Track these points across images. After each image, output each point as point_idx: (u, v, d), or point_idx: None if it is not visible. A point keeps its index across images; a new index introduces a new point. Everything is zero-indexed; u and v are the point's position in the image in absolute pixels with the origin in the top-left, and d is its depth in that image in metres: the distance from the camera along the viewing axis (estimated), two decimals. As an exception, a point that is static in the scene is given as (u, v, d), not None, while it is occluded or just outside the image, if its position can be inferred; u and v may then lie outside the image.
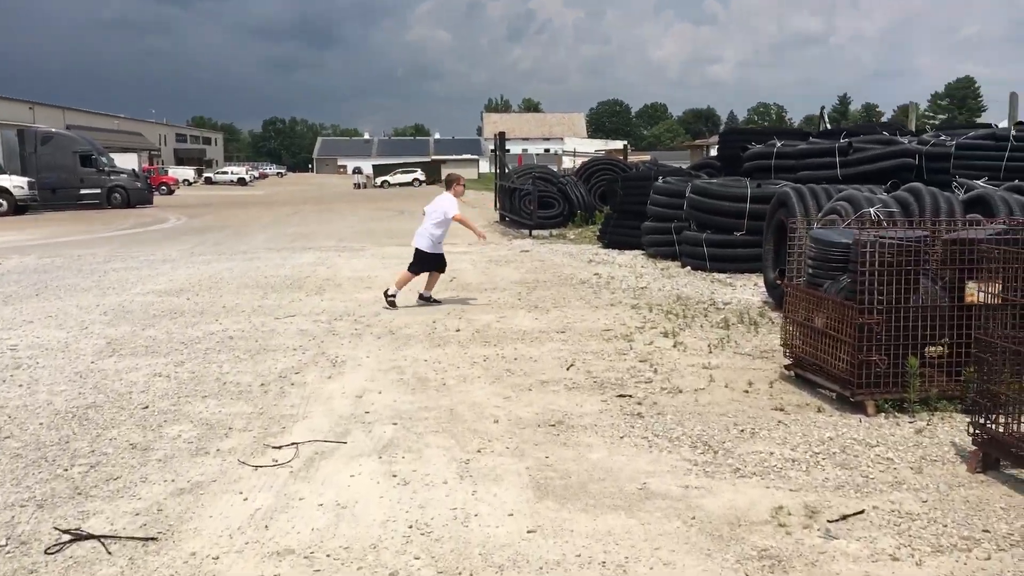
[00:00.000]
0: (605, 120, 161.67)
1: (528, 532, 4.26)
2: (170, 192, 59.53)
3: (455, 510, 4.54)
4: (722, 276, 13.57)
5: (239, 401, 6.70)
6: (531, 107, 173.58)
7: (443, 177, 12.96)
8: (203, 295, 12.18)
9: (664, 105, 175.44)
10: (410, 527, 4.34)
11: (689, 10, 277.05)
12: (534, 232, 22.17)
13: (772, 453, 5.33)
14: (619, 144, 49.92)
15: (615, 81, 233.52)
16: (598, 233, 19.67)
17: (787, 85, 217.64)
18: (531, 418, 6.19)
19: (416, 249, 11.16)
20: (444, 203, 11.10)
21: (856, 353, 6.00)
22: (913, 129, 21.12)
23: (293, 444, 5.64)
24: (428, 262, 11.21)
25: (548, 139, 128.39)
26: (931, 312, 6.02)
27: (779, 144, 16.27)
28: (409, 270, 11.18)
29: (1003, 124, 19.95)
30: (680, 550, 4.05)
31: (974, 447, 5.00)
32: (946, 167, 14.30)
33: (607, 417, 6.17)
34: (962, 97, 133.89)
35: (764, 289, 11.33)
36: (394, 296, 10.95)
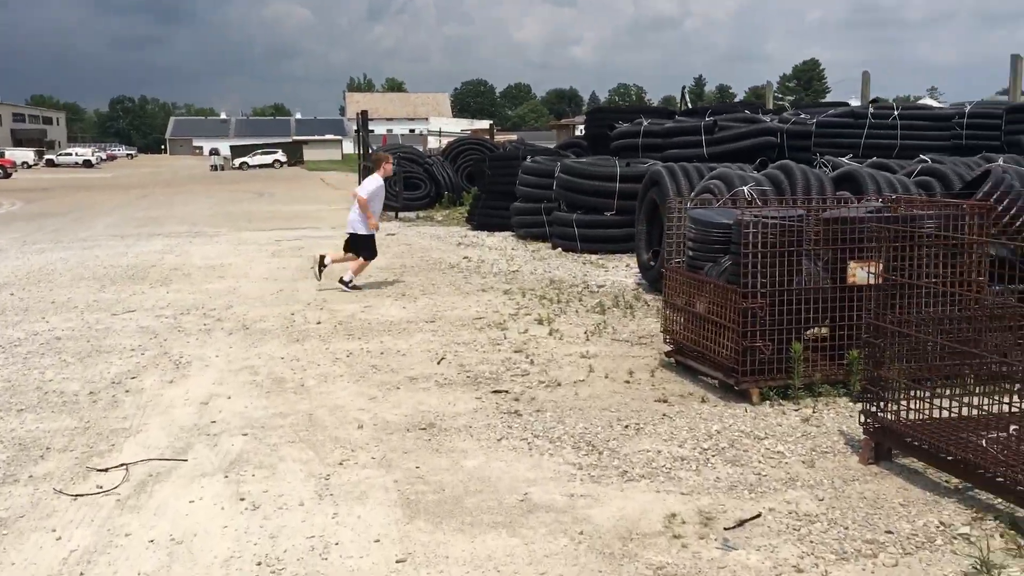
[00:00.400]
0: (470, 100, 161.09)
1: (397, 562, 3.73)
2: (6, 175, 55.31)
3: (312, 539, 3.96)
4: (594, 257, 13.32)
5: (62, 414, 5.85)
6: (395, 87, 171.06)
7: (371, 157, 12.77)
8: (30, 289, 10.98)
9: (528, 86, 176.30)
10: (258, 564, 3.73)
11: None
12: (400, 214, 21.46)
13: (659, 451, 4.97)
14: (485, 124, 49.50)
15: (479, 61, 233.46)
16: (466, 215, 19.18)
17: (646, 66, 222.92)
18: (399, 421, 5.63)
19: (357, 235, 10.85)
20: (368, 183, 11.08)
21: (740, 339, 5.72)
22: (771, 108, 21.52)
23: (122, 465, 4.90)
24: (371, 244, 10.98)
25: (413, 119, 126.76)
26: (814, 294, 5.80)
27: (646, 123, 16.17)
28: (365, 258, 10.94)
29: (854, 102, 20.59)
30: (569, 574, 3.61)
31: (865, 436, 4.78)
32: (807, 144, 14.48)
33: (483, 417, 5.69)
34: (808, 79, 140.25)
35: (638, 271, 11.11)
36: (350, 280, 10.71)
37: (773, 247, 5.69)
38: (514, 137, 37.76)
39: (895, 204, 6.72)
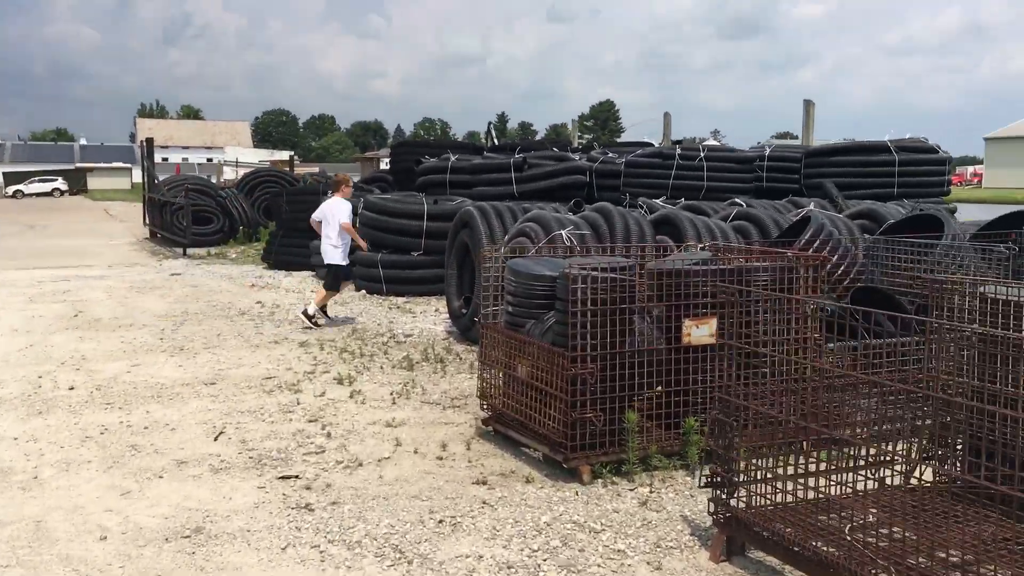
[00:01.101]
0: (272, 130, 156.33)
1: None
2: None
3: None
4: (401, 301, 12.43)
5: None
6: (191, 114, 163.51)
7: (334, 178, 12.09)
8: None
9: (332, 117, 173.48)
10: None
11: (354, 24, 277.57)
12: (189, 251, 19.69)
13: (481, 557, 4.12)
14: (285, 155, 47.57)
15: (281, 91, 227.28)
16: (262, 253, 17.76)
17: (450, 101, 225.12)
18: (157, 527, 4.50)
19: (329, 265, 10.63)
20: (335, 208, 10.64)
21: (569, 410, 5.01)
22: (576, 146, 21.52)
23: None
24: (344, 273, 10.79)
25: (211, 148, 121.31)
26: (648, 357, 5.19)
27: (453, 158, 15.53)
28: (328, 288, 10.72)
29: (652, 140, 20.91)
30: None
31: (715, 529, 4.15)
32: (616, 184, 14.31)
33: (265, 515, 4.64)
34: (604, 119, 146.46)
35: (448, 317, 10.32)
36: (314, 316, 10.29)
37: (604, 304, 5.03)
38: (316, 169, 36.30)
39: (725, 255, 6.28)
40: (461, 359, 8.43)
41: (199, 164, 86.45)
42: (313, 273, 15.53)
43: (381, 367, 8.09)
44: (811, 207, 8.95)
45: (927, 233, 7.41)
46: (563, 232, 7.66)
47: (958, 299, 4.49)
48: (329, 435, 6.03)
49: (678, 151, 12.95)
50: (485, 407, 6.09)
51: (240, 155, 44.96)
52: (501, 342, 5.77)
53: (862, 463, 4.24)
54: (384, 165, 36.32)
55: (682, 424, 5.24)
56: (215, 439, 5.96)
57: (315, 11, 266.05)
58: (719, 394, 4.18)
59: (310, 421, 6.37)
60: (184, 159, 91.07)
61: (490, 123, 28.42)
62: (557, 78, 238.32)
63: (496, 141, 26.01)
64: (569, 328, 4.98)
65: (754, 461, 4.06)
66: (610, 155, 14.94)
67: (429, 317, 11.03)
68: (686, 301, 5.25)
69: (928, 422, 4.23)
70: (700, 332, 5.24)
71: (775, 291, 5.41)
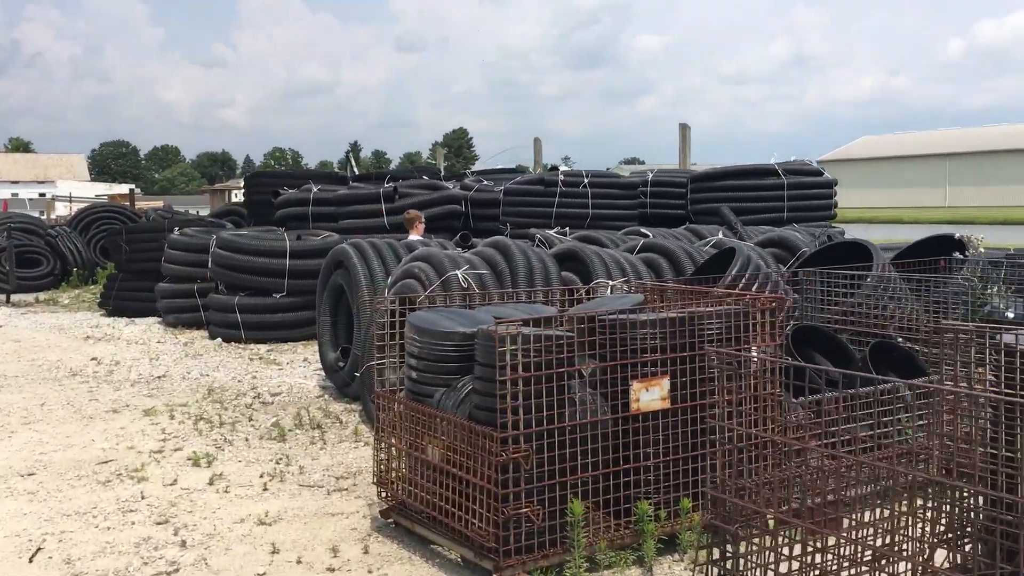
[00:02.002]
0: (111, 162, 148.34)
1: None
2: None
3: None
4: (264, 349, 11.05)
5: None
6: (21, 147, 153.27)
7: (406, 216, 11.32)
8: None
9: (176, 148, 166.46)
10: None
11: (197, 52, 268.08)
12: (13, 298, 17.45)
13: None
14: (125, 188, 44.45)
15: (121, 121, 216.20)
16: (100, 297, 15.83)
17: (300, 131, 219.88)
18: None
19: None
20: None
21: (500, 505, 3.97)
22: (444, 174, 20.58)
23: None
24: None
25: (43, 182, 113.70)
26: (592, 431, 4.21)
27: (316, 189, 14.25)
28: None
29: (521, 167, 20.21)
30: None
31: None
32: (494, 213, 13.44)
33: None
34: (459, 146, 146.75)
35: (322, 370, 9.07)
36: None
37: (539, 368, 4.03)
38: (160, 204, 33.86)
39: (655, 298, 5.43)
40: (342, 423, 7.24)
41: (30, 200, 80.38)
42: (159, 320, 13.87)
43: (246, 439, 6.79)
44: (720, 236, 8.29)
45: (848, 263, 6.81)
46: (458, 273, 6.63)
47: (974, 351, 3.73)
48: (184, 543, 4.75)
49: (561, 177, 12.19)
50: (384, 496, 4.96)
51: (74, 189, 41.61)
52: (404, 416, 4.67)
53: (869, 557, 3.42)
54: (236, 197, 34.22)
55: (634, 510, 4.29)
56: (30, 560, 4.58)
57: (156, 39, 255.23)
58: (712, 492, 3.24)
59: (158, 523, 5.06)
60: (13, 194, 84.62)
61: (348, 151, 27.15)
62: (409, 107, 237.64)
63: (356, 170, 24.72)
64: (499, 401, 3.95)
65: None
66: (485, 183, 14.05)
67: (298, 369, 9.73)
68: (634, 359, 4.31)
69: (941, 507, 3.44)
70: (650, 396, 4.32)
71: (726, 341, 4.57)
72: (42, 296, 18.19)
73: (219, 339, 11.90)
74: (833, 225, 11.81)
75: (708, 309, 4.55)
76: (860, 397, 4.36)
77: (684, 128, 15.42)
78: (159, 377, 9.32)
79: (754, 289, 6.08)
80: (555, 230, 9.29)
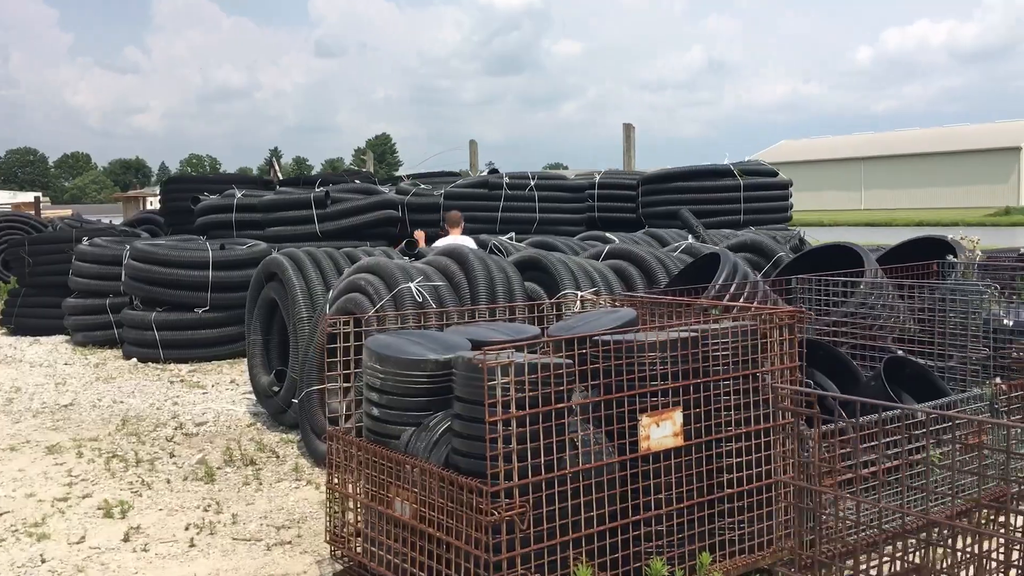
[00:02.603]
0: (17, 170, 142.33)
1: None
2: None
3: None
4: (185, 370, 10.07)
5: None
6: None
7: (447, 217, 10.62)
8: None
9: (87, 155, 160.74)
10: None
11: (109, 57, 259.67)
12: (-97, 317, 15.94)
13: None
14: (30, 197, 42.09)
15: (28, 128, 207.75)
16: (0, 315, 14.49)
17: (217, 137, 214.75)
18: None
19: None
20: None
21: (491, 575, 3.22)
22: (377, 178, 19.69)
23: None
24: None
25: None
26: (598, 477, 3.50)
27: (239, 194, 13.26)
28: None
29: (458, 171, 19.44)
30: None
31: None
32: (433, 219, 12.65)
33: None
34: (381, 152, 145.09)
35: (252, 394, 8.19)
36: None
37: (534, 404, 3.31)
38: (69, 212, 32.02)
39: (646, 312, 4.78)
40: (279, 457, 6.39)
41: (-72, 209, 76.26)
42: (68, 338, 12.70)
43: (168, 480, 5.89)
44: (689, 241, 7.68)
45: (832, 269, 6.27)
46: (411, 285, 5.85)
47: None
48: (94, 623, 3.89)
49: (506, 180, 11.48)
50: (338, 555, 4.17)
51: (-25, 198, 39.22)
52: (363, 463, 3.89)
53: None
54: (152, 205, 32.55)
55: (645, 570, 3.59)
56: None
57: (64, 44, 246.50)
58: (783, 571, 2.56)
59: (62, 596, 4.18)
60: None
61: (271, 155, 25.96)
62: (329, 112, 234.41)
63: (280, 175, 23.65)
64: (487, 446, 3.21)
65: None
66: (423, 187, 13.26)
67: (224, 392, 8.80)
68: (643, 388, 3.62)
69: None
70: (661, 432, 3.64)
71: (738, 363, 3.93)
72: (-64, 314, 16.68)
73: (134, 359, 10.85)
74: (789, 228, 11.40)
75: (721, 327, 3.89)
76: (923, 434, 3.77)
77: (628, 128, 14.86)
78: (66, 406, 8.29)
79: (744, 300, 5.47)
80: (507, 236, 8.55)
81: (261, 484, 5.77)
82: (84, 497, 5.58)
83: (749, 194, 10.74)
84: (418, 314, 5.72)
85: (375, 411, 3.85)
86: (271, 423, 7.37)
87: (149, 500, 5.52)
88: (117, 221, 25.07)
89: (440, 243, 10.04)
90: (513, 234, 8.70)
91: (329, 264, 7.19)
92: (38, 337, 13.15)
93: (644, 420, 3.56)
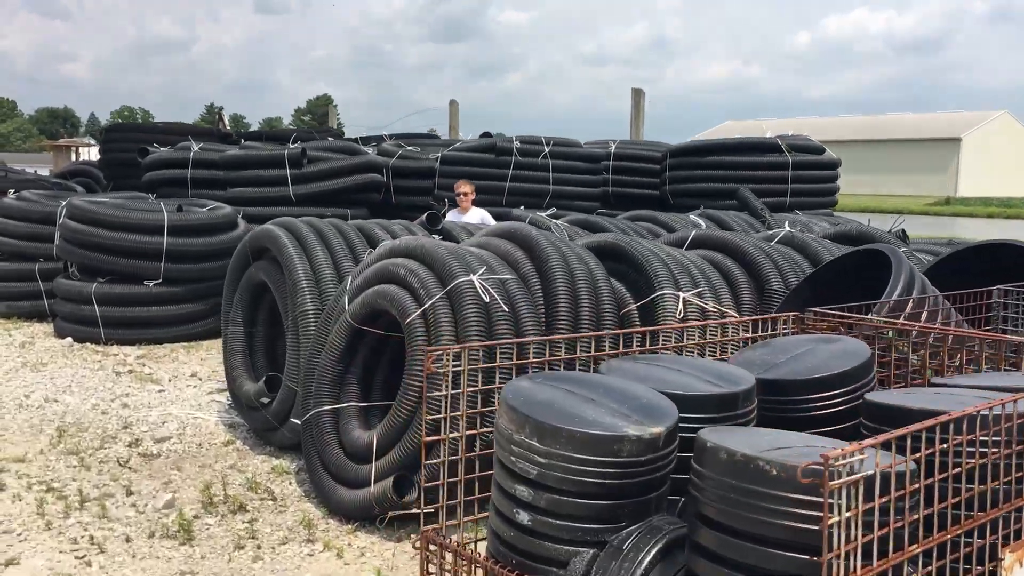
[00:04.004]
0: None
1: None
2: None
3: None
4: (132, 355, 8.34)
5: None
6: None
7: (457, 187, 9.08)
8: None
9: (13, 102, 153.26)
10: None
11: (39, 1, 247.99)
12: None
13: None
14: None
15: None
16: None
17: (151, 90, 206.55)
18: None
19: None
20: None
21: None
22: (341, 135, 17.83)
23: None
24: None
25: None
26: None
27: (196, 148, 11.43)
28: None
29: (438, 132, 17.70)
30: None
31: None
32: (421, 186, 11.04)
33: None
34: (322, 113, 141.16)
35: (220, 394, 6.56)
36: None
37: (867, 529, 1.81)
38: (-8, 160, 29.30)
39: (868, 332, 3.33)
40: (275, 500, 4.78)
41: None
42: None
43: (127, 537, 4.24)
44: (787, 227, 6.17)
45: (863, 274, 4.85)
46: (473, 279, 4.28)
47: None
48: None
49: (516, 144, 9.87)
50: None
51: None
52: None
53: None
54: (86, 155, 29.93)
55: None
56: None
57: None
58: None
59: None
60: None
61: (219, 109, 23.87)
62: (268, 70, 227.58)
63: (227, 128, 21.59)
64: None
65: None
66: (410, 148, 11.59)
67: (186, 390, 7.12)
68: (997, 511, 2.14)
69: None
70: None
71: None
72: None
73: (69, 339, 9.05)
74: (833, 213, 10.07)
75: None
76: None
77: (638, 93, 13.28)
78: (-18, 403, 6.53)
79: (926, 319, 4.05)
80: (547, 212, 6.94)
81: (260, 547, 4.17)
82: (6, 565, 3.92)
83: (797, 173, 9.35)
84: (483, 320, 4.21)
85: (523, 517, 2.30)
86: (255, 441, 5.74)
87: (98, 557, 3.89)
88: (46, 172, 22.75)
89: (454, 218, 8.56)
90: (554, 210, 7.13)
91: (339, 241, 5.55)
92: (-48, 307, 11.17)
93: (1007, 556, 2.08)
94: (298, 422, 4.99)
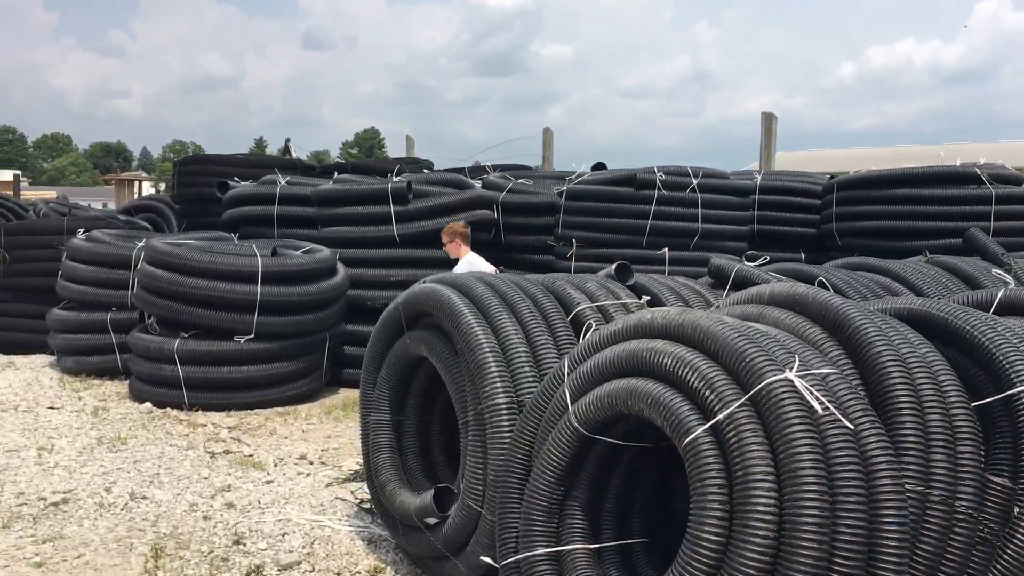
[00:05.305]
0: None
1: None
2: None
3: None
4: (224, 425, 7.07)
5: None
6: None
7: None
8: None
9: (68, 136, 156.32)
10: None
11: (93, 39, 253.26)
12: None
13: None
14: (8, 175, 38.47)
15: (7, 107, 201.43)
16: (-35, 323, 11.29)
17: (202, 125, 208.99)
18: None
19: None
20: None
21: None
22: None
23: None
24: None
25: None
26: None
27: (283, 181, 10.21)
28: None
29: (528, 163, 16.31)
30: None
31: None
32: (539, 224, 9.67)
33: None
34: (369, 146, 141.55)
35: (348, 490, 5.20)
36: None
37: None
38: (53, 195, 28.66)
39: None
40: None
41: (-101, 185, 71.97)
42: (53, 360, 9.62)
43: None
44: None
45: None
46: (791, 376, 2.87)
47: None
48: None
49: (660, 176, 8.47)
50: None
51: (-54, 174, 35.51)
52: None
53: None
54: (149, 190, 29.00)
55: None
56: None
57: (48, 24, 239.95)
58: None
59: None
60: None
61: (287, 140, 22.83)
62: (314, 105, 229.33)
63: (293, 156, 20.46)
64: None
65: None
66: (522, 181, 10.25)
67: (298, 480, 5.76)
68: None
69: None
70: None
71: None
72: None
73: (148, 404, 7.81)
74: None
75: None
76: None
77: (769, 118, 11.75)
78: (55, 504, 5.21)
79: None
80: (759, 261, 5.51)
81: None
82: None
83: (1001, 208, 7.80)
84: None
85: None
86: (411, 568, 4.36)
87: None
88: (99, 206, 21.85)
89: (464, 268, 7.43)
90: (767, 256, 5.69)
91: (526, 304, 4.15)
92: (12, 357, 10.05)
93: None
94: (492, 562, 3.59)
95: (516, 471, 3.59)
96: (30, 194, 29.30)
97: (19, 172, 33.83)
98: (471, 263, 7.78)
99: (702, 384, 2.97)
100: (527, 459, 3.59)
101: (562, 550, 3.35)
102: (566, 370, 3.55)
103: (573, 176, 9.56)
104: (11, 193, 21.97)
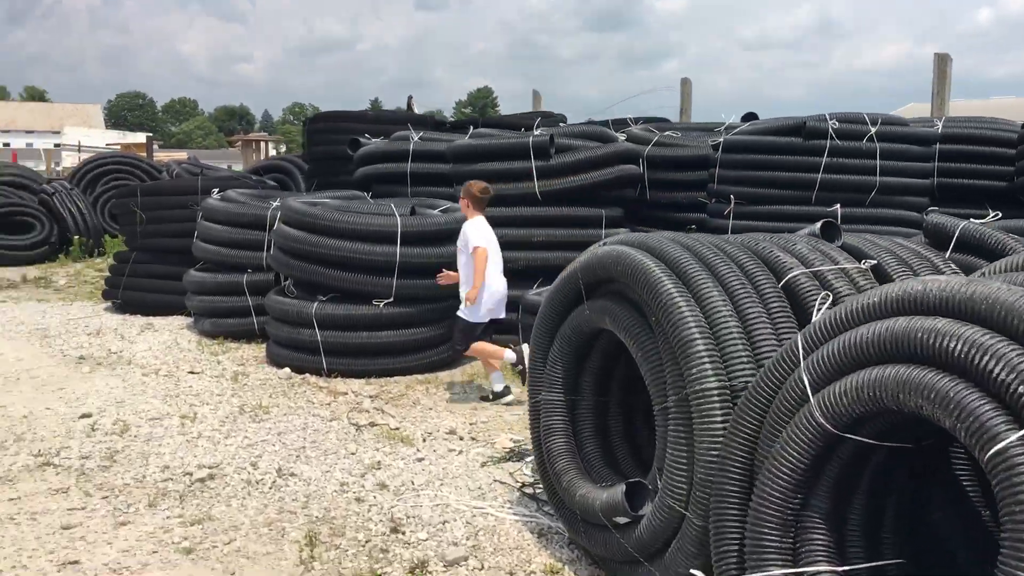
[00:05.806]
0: (126, 114, 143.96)
1: None
2: None
3: None
4: (365, 393, 6.73)
5: None
6: (36, 96, 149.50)
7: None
8: None
9: (195, 101, 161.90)
10: None
11: (216, 5, 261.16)
12: (-7, 276, 13.18)
13: None
14: (141, 137, 39.74)
15: (138, 73, 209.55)
16: (105, 285, 11.36)
17: (319, 87, 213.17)
18: None
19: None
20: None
21: None
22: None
23: None
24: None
25: (58, 132, 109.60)
26: None
27: (416, 137, 9.78)
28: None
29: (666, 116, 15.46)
30: None
31: None
32: (688, 179, 8.95)
33: None
34: (483, 105, 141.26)
35: (505, 470, 4.71)
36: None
37: None
38: (184, 156, 29.33)
39: None
40: None
41: (45, 150, 75.85)
42: (190, 322, 9.53)
43: None
44: None
45: None
46: None
47: None
48: None
49: (834, 124, 7.61)
50: None
51: (83, 137, 37.00)
52: None
53: None
54: (272, 151, 29.36)
55: None
56: None
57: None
58: None
59: None
60: (28, 144, 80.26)
61: (410, 96, 22.55)
62: (427, 66, 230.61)
63: (416, 112, 20.11)
64: None
65: None
66: (669, 133, 9.51)
67: (450, 458, 5.32)
68: None
69: None
70: None
71: None
72: (32, 272, 13.88)
73: (286, 369, 7.54)
74: None
75: None
76: None
77: (943, 59, 10.59)
78: (201, 480, 4.92)
79: None
80: (992, 216, 4.70)
81: None
82: None
83: None
84: None
85: None
86: (593, 571, 3.83)
87: None
88: (238, 168, 22.11)
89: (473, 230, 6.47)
90: (999, 214, 4.89)
91: (732, 271, 3.51)
92: (151, 318, 10.01)
93: None
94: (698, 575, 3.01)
95: (734, 471, 3.00)
96: (162, 155, 30.08)
97: (150, 135, 34.85)
98: (476, 227, 6.66)
99: (1013, 378, 2.29)
100: (747, 457, 2.99)
101: (804, 572, 2.75)
102: (800, 351, 2.91)
103: (722, 127, 8.77)
104: (145, 155, 22.46)
